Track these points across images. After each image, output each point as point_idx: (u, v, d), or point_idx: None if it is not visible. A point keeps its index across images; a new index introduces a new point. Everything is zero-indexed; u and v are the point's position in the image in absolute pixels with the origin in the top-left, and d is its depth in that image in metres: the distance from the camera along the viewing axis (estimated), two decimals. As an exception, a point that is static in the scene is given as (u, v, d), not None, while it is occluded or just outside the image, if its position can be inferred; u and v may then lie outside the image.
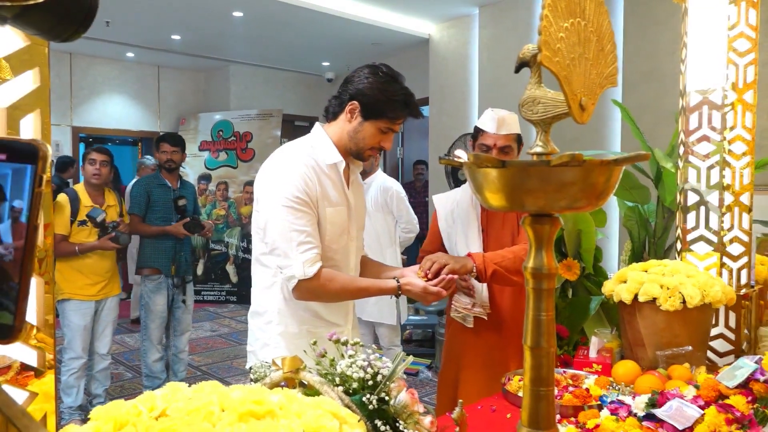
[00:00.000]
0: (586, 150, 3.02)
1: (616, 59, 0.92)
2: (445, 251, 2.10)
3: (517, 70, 0.92)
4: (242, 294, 6.87)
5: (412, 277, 1.72)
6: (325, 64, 7.64)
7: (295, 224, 1.58)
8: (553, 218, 0.91)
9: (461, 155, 0.97)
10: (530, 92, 0.91)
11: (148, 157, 5.96)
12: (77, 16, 0.59)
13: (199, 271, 6.92)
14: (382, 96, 1.62)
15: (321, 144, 1.70)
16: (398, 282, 1.70)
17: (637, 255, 2.55)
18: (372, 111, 1.64)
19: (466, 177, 0.93)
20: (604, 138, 4.58)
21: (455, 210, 2.11)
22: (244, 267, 6.84)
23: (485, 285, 2.02)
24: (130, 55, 7.17)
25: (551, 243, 0.91)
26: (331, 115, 1.73)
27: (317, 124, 1.75)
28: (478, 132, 2.01)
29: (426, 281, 1.71)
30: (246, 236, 6.89)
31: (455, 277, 1.75)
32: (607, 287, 1.75)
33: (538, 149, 0.91)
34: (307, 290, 1.61)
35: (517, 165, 0.84)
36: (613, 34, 0.91)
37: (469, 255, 1.90)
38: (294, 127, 8.22)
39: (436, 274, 1.74)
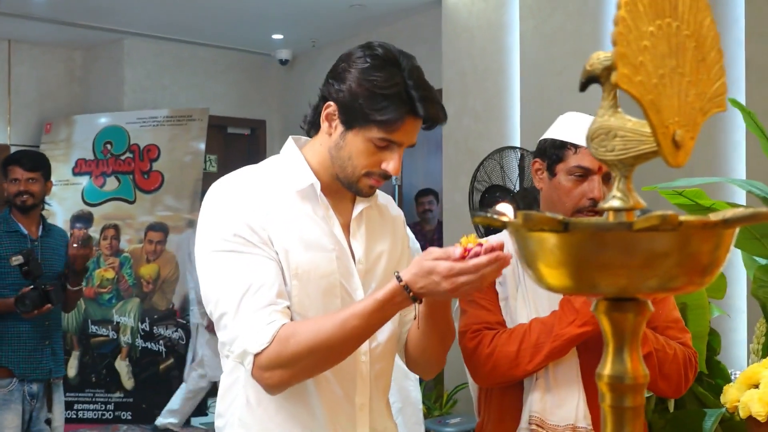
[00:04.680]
0: (692, 177, 3.04)
1: (724, 72, 0.99)
2: (504, 326, 2.11)
3: (583, 87, 1.00)
4: (140, 408, 6.67)
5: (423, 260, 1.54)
6: (277, 37, 7.70)
7: (235, 270, 1.62)
8: (639, 303, 0.97)
9: (505, 210, 1.06)
10: (603, 120, 0.98)
11: None
12: None
13: (71, 371, 6.78)
14: (364, 89, 1.64)
15: (288, 165, 1.78)
16: (398, 277, 1.54)
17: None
18: (353, 113, 1.67)
19: (513, 244, 1.01)
20: (719, 154, 4.59)
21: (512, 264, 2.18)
22: (144, 364, 6.77)
23: (582, 388, 2.02)
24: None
25: (637, 339, 0.98)
26: (308, 127, 1.81)
27: (289, 140, 1.82)
28: (563, 147, 2.11)
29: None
30: (150, 314, 6.87)
31: (509, 255, 1.50)
32: (729, 395, 1.81)
33: (616, 203, 0.97)
34: (268, 367, 1.59)
35: (585, 228, 0.93)
36: (718, 37, 0.98)
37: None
38: (227, 137, 8.27)
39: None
